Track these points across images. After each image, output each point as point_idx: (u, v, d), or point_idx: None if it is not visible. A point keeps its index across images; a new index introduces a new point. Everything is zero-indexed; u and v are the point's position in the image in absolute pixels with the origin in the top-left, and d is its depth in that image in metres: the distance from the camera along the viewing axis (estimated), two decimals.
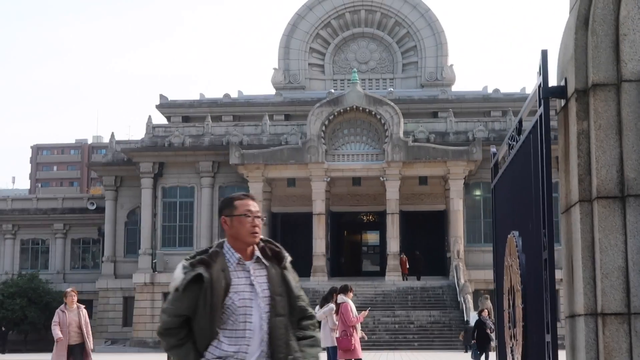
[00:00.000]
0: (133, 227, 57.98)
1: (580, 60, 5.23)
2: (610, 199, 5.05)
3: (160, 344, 4.88)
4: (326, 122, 52.18)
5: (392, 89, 62.39)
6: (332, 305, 16.37)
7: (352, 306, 15.96)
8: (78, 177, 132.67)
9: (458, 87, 67.39)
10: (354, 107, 52.31)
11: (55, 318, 15.95)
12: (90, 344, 15.92)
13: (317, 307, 17.29)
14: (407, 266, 52.45)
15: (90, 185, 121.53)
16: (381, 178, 51.95)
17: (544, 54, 5.55)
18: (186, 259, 4.78)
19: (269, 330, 4.74)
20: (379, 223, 57.23)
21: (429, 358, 34.34)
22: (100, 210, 60.18)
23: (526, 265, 6.16)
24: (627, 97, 5.07)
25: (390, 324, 46.24)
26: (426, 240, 56.05)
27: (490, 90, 62.98)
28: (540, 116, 5.59)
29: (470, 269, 51.69)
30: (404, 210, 52.88)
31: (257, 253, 4.85)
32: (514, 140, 6.69)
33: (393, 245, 51.51)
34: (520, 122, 6.52)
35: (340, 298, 15.96)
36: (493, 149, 7.95)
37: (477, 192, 54.77)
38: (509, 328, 6.76)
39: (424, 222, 56.43)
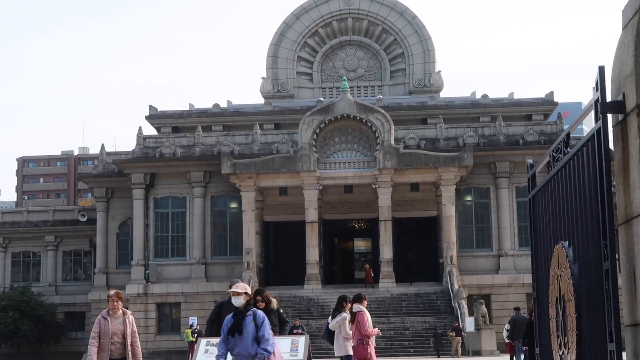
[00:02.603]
0: (125, 238, 57.97)
1: None
2: None
3: None
4: (317, 131, 52.32)
5: (381, 96, 62.55)
6: (345, 314, 16.45)
7: (368, 316, 16.08)
8: (65, 188, 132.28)
9: (446, 93, 67.69)
10: (345, 115, 52.48)
11: (95, 328, 12.83)
12: (138, 357, 12.94)
13: (330, 317, 17.40)
14: (372, 275, 52.83)
15: (77, 196, 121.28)
16: (373, 185, 52.09)
17: (601, 70, 5.70)
18: None
19: None
20: (370, 230, 57.37)
21: None
22: (92, 221, 60.16)
23: (579, 275, 6.30)
24: None
25: (385, 330, 46.28)
26: (418, 246, 56.28)
27: (478, 96, 63.20)
28: (598, 130, 5.73)
29: (463, 274, 51.97)
30: (395, 216, 53.01)
31: None
32: (560, 153, 6.83)
33: (386, 252, 51.60)
34: (568, 135, 6.65)
35: (356, 307, 16.05)
36: (529, 160, 8.10)
37: (469, 198, 55.05)
38: (558, 337, 6.87)
39: (415, 228, 56.67)
